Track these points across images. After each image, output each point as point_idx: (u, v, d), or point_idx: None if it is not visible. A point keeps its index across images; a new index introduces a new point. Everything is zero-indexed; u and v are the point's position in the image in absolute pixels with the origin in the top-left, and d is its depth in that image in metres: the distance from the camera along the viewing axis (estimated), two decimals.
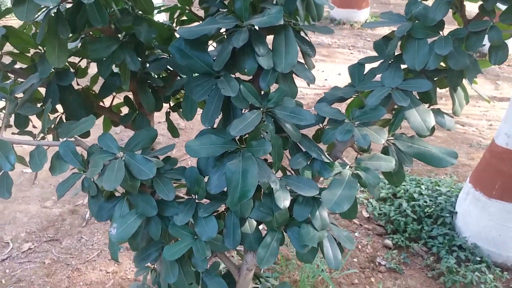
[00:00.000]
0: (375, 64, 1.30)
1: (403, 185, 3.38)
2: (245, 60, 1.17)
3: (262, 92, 1.26)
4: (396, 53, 1.26)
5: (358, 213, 3.30)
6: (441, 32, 1.17)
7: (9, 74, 1.43)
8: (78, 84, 1.58)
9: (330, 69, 5.91)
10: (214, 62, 1.16)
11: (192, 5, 1.55)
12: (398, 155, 1.21)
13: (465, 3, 1.20)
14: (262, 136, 1.14)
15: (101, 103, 1.61)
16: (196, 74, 1.24)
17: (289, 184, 1.18)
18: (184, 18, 1.60)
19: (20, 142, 1.16)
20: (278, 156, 1.17)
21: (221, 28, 1.18)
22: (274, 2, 1.20)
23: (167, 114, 1.67)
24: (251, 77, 1.28)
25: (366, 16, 7.58)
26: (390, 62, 1.25)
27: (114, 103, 1.69)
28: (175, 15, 1.58)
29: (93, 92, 1.61)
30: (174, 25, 1.59)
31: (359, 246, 2.97)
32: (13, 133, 1.29)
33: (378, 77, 1.26)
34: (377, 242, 3.02)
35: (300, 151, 1.24)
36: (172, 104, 1.66)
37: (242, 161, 1.08)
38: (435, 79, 1.23)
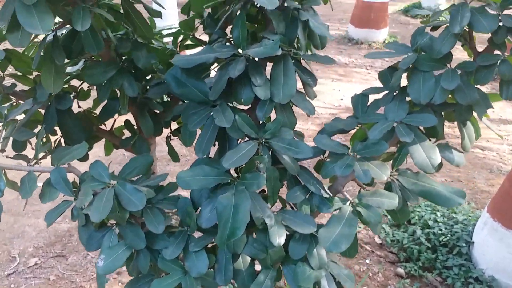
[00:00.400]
0: (381, 95, 1.24)
1: (418, 211, 3.27)
2: (242, 90, 1.13)
3: (262, 122, 1.22)
4: (403, 84, 1.21)
5: (371, 239, 3.19)
6: (448, 65, 1.11)
7: (11, 97, 1.43)
8: (79, 107, 1.57)
9: (346, 88, 5.85)
10: (210, 91, 1.13)
11: (197, 31, 1.53)
12: (402, 191, 1.15)
13: (475, 34, 1.14)
14: (257, 168, 1.09)
15: (102, 126, 1.60)
16: None
17: (285, 219, 1.12)
18: (189, 42, 1.59)
19: (11, 167, 1.15)
20: (274, 189, 1.12)
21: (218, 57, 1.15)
22: (275, 31, 1.16)
23: (168, 138, 1.65)
24: (250, 105, 1.24)
25: (385, 36, 7.50)
26: (395, 94, 1.19)
27: (118, 125, 1.68)
28: (179, 40, 1.57)
29: (95, 115, 1.60)
30: (178, 49, 1.58)
31: (370, 274, 2.87)
32: (7, 157, 1.28)
33: (383, 109, 1.20)
34: (389, 270, 2.91)
35: (299, 184, 1.19)
36: (173, 129, 1.63)
37: (235, 195, 1.04)
38: (442, 112, 1.17)
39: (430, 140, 1.17)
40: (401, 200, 1.13)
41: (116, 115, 1.53)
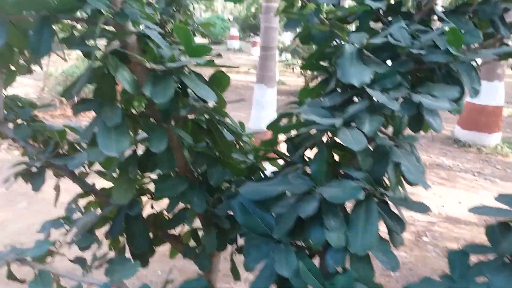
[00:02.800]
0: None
1: None
2: (312, 230, 0.98)
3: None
4: None
5: None
6: None
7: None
8: (152, 207, 1.55)
9: (449, 195, 5.31)
10: (275, 227, 1.00)
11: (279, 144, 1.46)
12: None
13: None
14: None
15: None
16: None
17: None
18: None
19: (63, 275, 1.11)
20: None
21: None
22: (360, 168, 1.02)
23: (232, 254, 1.53)
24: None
25: (497, 141, 6.84)
26: (506, 261, 0.94)
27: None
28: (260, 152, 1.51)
29: (166, 217, 1.56)
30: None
31: None
32: (69, 260, 1.26)
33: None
34: None
35: None
36: (240, 245, 1.52)
37: None
38: None
39: None
40: None
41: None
